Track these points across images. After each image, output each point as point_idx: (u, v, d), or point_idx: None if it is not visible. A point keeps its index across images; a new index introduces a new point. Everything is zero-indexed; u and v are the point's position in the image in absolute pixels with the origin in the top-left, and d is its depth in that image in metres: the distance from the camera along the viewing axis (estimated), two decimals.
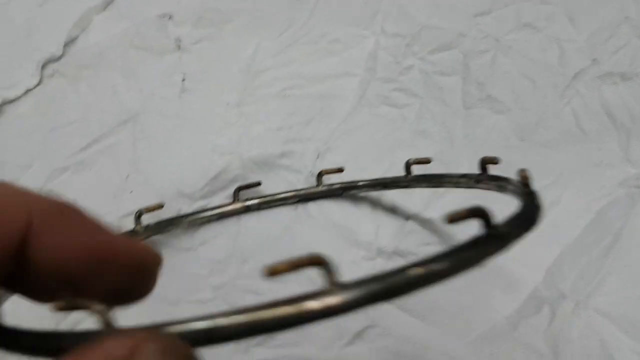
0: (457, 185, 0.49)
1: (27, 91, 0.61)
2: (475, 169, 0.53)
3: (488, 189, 0.45)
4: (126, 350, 0.18)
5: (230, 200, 0.55)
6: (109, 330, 0.19)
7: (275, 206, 0.55)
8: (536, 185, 0.55)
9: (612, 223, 0.53)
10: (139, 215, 0.51)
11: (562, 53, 0.62)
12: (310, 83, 0.61)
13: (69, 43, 0.64)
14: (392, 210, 0.54)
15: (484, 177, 0.45)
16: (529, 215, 0.32)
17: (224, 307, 0.45)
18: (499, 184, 0.42)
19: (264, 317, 0.20)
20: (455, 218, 0.25)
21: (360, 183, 0.55)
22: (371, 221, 0.54)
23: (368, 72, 0.62)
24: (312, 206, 0.55)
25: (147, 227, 0.52)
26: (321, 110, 0.60)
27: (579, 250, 0.51)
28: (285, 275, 0.21)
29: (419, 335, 0.48)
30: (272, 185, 0.56)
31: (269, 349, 0.48)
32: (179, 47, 0.63)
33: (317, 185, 0.55)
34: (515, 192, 0.39)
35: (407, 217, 0.54)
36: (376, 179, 0.54)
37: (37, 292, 0.22)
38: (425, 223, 0.54)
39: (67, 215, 0.22)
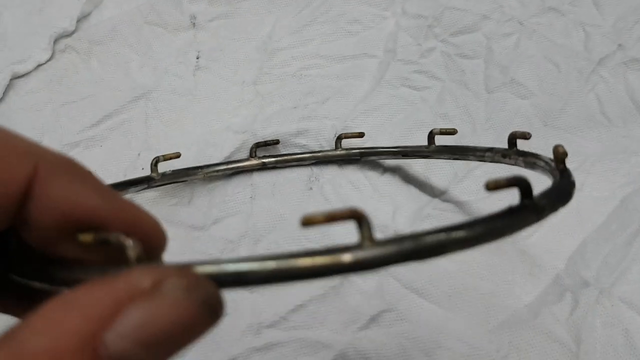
0: (481, 159, 0.47)
1: (39, 66, 0.60)
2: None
3: (515, 165, 0.43)
4: (150, 282, 0.17)
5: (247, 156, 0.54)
6: (136, 265, 0.19)
7: (292, 166, 0.55)
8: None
9: (637, 211, 0.51)
10: (155, 162, 0.51)
11: (587, 38, 0.60)
12: (328, 63, 0.59)
13: (82, 18, 0.62)
14: (410, 192, 0.53)
15: (511, 152, 0.43)
16: (564, 189, 0.30)
17: None
18: (528, 159, 0.41)
19: (295, 265, 0.19)
20: (495, 185, 0.24)
21: (380, 149, 0.53)
22: (388, 204, 0.52)
23: (388, 53, 0.60)
24: (327, 187, 0.53)
25: (164, 174, 0.51)
26: (339, 90, 0.58)
27: (603, 237, 0.50)
28: (320, 226, 0.20)
29: (436, 321, 0.47)
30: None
31: (281, 331, 0.47)
32: (193, 25, 0.62)
33: (336, 149, 0.54)
34: (545, 169, 0.38)
35: (426, 200, 0.52)
36: (397, 147, 0.53)
37: (35, 241, 0.22)
38: (444, 207, 0.52)
39: (76, 171, 0.22)
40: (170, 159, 0.50)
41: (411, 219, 0.51)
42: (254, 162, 0.53)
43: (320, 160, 0.54)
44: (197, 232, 0.51)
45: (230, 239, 0.50)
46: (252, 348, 0.46)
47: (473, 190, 0.53)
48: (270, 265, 0.19)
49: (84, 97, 0.58)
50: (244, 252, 0.50)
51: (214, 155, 0.54)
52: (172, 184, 0.52)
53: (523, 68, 0.58)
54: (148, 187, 0.50)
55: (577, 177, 0.52)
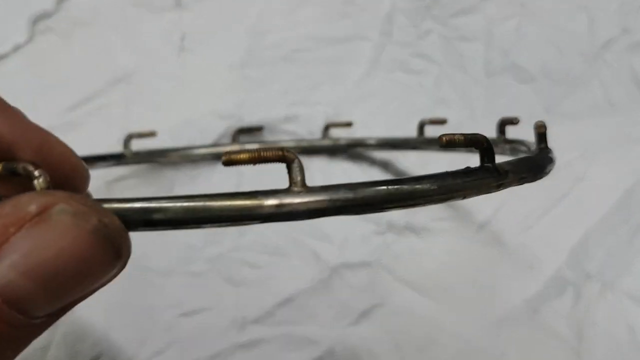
0: (470, 149, 0.44)
1: (17, 48, 0.57)
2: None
3: (502, 153, 0.40)
4: (37, 207, 0.16)
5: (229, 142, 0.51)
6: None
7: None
8: (561, 159, 0.51)
9: None
10: (128, 139, 0.48)
11: (591, 21, 0.57)
12: (321, 46, 0.56)
13: None
14: None
15: (499, 140, 0.41)
16: (537, 162, 0.27)
17: (218, 280, 0.41)
18: (513, 146, 0.38)
19: (210, 206, 0.18)
20: (450, 142, 0.22)
21: (368, 141, 0.51)
22: None
23: (383, 35, 0.58)
24: (318, 175, 0.51)
25: (137, 153, 0.48)
26: (332, 74, 0.56)
27: (606, 229, 0.47)
28: (245, 165, 0.19)
29: (431, 316, 0.44)
30: None
31: (267, 327, 0.45)
32: (179, 4, 0.59)
33: (323, 139, 0.52)
34: (527, 153, 0.35)
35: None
36: (385, 138, 0.50)
37: None
38: None
39: None
40: (145, 136, 0.47)
41: (405, 210, 0.48)
42: (235, 147, 0.50)
43: (305, 149, 0.51)
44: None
45: (215, 230, 0.48)
46: (235, 344, 0.44)
47: None
48: (182, 205, 0.17)
49: (62, 80, 0.55)
50: (228, 244, 0.47)
51: (198, 141, 0.51)
52: (147, 165, 0.50)
53: (524, 52, 0.56)
54: (118, 164, 0.47)
55: (580, 165, 0.50)
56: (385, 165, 0.52)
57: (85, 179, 0.24)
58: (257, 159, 0.19)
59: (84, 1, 0.59)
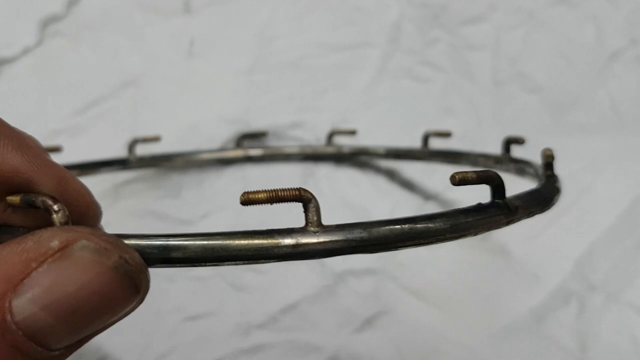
0: (474, 164, 0.44)
1: (26, 51, 0.58)
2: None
3: (507, 171, 0.40)
4: (59, 242, 0.16)
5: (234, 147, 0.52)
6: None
7: (279, 160, 0.52)
8: (567, 169, 0.50)
9: None
10: (133, 144, 0.48)
11: (599, 31, 0.57)
12: (328, 52, 0.57)
13: (72, 2, 0.60)
14: (410, 190, 0.50)
15: (505, 157, 0.41)
16: (544, 194, 0.27)
17: (222, 285, 0.41)
18: (520, 166, 0.38)
19: (228, 246, 0.18)
20: (462, 180, 0.22)
21: (372, 150, 0.51)
22: (386, 201, 0.50)
23: (390, 43, 0.58)
24: (324, 182, 0.51)
25: (142, 159, 0.49)
26: (338, 81, 0.56)
27: (612, 240, 0.47)
28: (262, 205, 0.19)
29: (435, 325, 0.44)
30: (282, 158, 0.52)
31: (271, 333, 0.45)
32: (188, 10, 0.59)
33: (327, 145, 0.52)
34: (534, 176, 0.35)
35: (426, 198, 0.50)
36: (390, 147, 0.50)
37: None
38: (445, 206, 0.50)
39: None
40: (150, 141, 0.47)
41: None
42: (239, 153, 0.50)
43: (308, 156, 0.51)
44: (184, 226, 0.48)
45: None
46: (239, 349, 0.44)
47: (475, 189, 0.50)
48: (201, 243, 0.18)
49: (71, 84, 0.55)
50: None
51: (205, 145, 0.51)
52: (154, 169, 0.50)
53: (532, 61, 0.56)
54: (123, 169, 0.47)
55: (586, 176, 0.50)
56: (390, 174, 0.52)
57: (98, 216, 0.25)
58: (274, 198, 0.19)
59: (93, 5, 0.59)
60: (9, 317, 0.15)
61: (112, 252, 0.17)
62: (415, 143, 0.50)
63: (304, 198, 0.20)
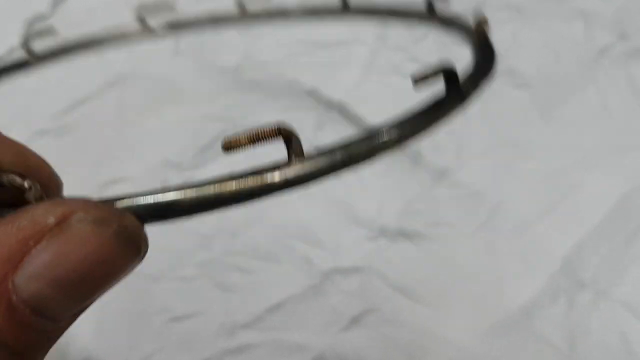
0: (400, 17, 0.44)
1: (12, 51, 0.57)
2: (491, 147, 0.49)
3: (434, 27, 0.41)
4: (55, 217, 0.16)
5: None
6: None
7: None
8: (556, 165, 0.50)
9: (638, 208, 0.48)
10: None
11: (588, 27, 0.57)
12: (316, 49, 0.56)
13: (58, 1, 0.60)
14: (398, 185, 0.50)
15: (430, 14, 0.41)
16: (487, 67, 0.27)
17: (208, 285, 0.41)
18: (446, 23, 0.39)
19: (221, 191, 0.18)
20: (422, 77, 0.22)
21: (289, 10, 0.49)
22: (374, 197, 0.49)
23: (378, 40, 0.57)
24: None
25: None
26: (326, 78, 0.55)
27: (601, 236, 0.47)
28: (245, 149, 0.19)
29: (424, 323, 0.44)
30: (266, 154, 0.51)
31: (257, 332, 0.44)
32: (174, 8, 0.59)
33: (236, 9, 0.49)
34: (463, 30, 0.35)
35: (415, 193, 0.49)
36: (307, 6, 0.48)
37: None
38: (435, 202, 0.49)
39: None
40: None
41: (399, 213, 0.48)
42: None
43: (214, 19, 0.49)
44: (170, 226, 0.48)
45: (206, 234, 0.47)
46: (224, 349, 0.44)
47: (466, 177, 0.50)
48: (193, 192, 0.18)
49: (56, 84, 0.55)
50: (219, 249, 0.47)
51: (189, 144, 0.51)
52: None
53: (520, 57, 0.56)
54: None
55: (575, 172, 0.50)
56: (380, 166, 0.51)
57: (60, 186, 0.24)
58: (256, 138, 0.19)
59: (79, 4, 0.59)
60: (14, 297, 0.15)
61: (110, 220, 0.16)
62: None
63: (285, 133, 0.20)
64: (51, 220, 0.16)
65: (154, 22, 0.50)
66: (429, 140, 0.46)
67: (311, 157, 0.19)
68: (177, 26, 0.50)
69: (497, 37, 0.53)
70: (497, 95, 0.52)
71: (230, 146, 0.18)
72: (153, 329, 0.45)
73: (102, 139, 0.52)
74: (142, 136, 0.51)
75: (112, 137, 0.52)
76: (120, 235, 0.17)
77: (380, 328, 0.44)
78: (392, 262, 0.46)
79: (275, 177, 0.19)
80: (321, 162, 0.19)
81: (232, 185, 0.18)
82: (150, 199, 0.18)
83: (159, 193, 0.18)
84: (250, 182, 0.18)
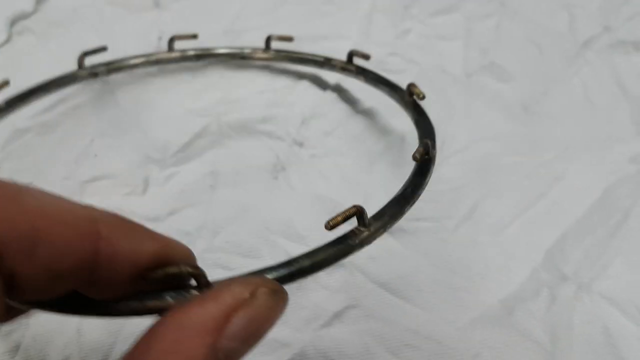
0: (320, 66, 0.53)
1: None
2: (474, 141, 0.49)
3: (356, 78, 0.51)
4: (247, 292, 0.22)
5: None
6: (209, 287, 0.24)
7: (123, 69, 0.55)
8: (540, 159, 0.50)
9: (621, 201, 0.48)
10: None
11: (572, 19, 0.57)
12: (300, 45, 0.56)
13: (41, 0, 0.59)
14: (382, 181, 0.50)
15: (351, 66, 0.50)
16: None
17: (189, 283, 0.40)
18: (369, 77, 0.50)
19: (324, 256, 0.29)
20: (334, 224, 0.30)
21: (217, 51, 0.55)
22: (358, 193, 0.49)
23: (362, 35, 0.57)
24: (294, 176, 0.50)
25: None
26: (310, 74, 0.55)
27: (584, 229, 0.47)
28: (341, 225, 0.30)
29: (404, 318, 0.44)
30: (251, 152, 0.51)
31: None
32: (157, 5, 0.59)
33: (169, 51, 0.54)
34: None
35: (398, 189, 0.49)
36: (234, 48, 0.55)
37: (104, 291, 0.25)
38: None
39: (128, 224, 0.25)
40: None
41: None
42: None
43: (153, 62, 0.55)
44: (151, 223, 0.47)
45: (188, 231, 0.47)
46: None
47: (450, 171, 0.50)
48: (308, 261, 0.29)
49: (39, 81, 0.55)
50: (201, 245, 0.47)
51: (173, 140, 0.51)
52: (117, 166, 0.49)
53: (503, 50, 0.56)
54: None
55: (558, 165, 0.50)
56: (363, 164, 0.51)
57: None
58: (347, 217, 0.30)
59: (62, 1, 0.59)
60: (220, 355, 0.21)
61: (278, 290, 0.24)
62: (387, 131, 0.50)
63: (359, 210, 0.31)
64: (246, 294, 0.22)
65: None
66: (413, 136, 0.46)
67: (372, 224, 0.31)
68: None
69: (481, 31, 0.53)
70: (481, 89, 0.52)
71: (332, 226, 0.30)
72: (134, 328, 0.44)
73: (82, 136, 0.52)
74: (123, 133, 0.51)
75: (93, 135, 0.52)
76: (283, 300, 0.24)
77: (362, 323, 0.44)
78: (375, 257, 0.46)
79: (356, 241, 0.30)
80: (378, 227, 0.32)
81: (332, 251, 0.30)
82: (284, 271, 0.28)
83: (288, 266, 0.28)
84: (342, 249, 0.30)
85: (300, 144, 0.51)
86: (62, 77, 0.51)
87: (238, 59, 0.54)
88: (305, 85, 0.54)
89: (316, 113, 0.53)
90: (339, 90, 0.54)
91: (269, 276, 0.27)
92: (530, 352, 0.42)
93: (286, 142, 0.52)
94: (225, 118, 0.52)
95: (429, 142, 0.38)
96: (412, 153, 0.38)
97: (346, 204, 0.48)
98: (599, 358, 0.42)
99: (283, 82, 0.54)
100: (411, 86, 0.45)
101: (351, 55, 0.51)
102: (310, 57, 0.53)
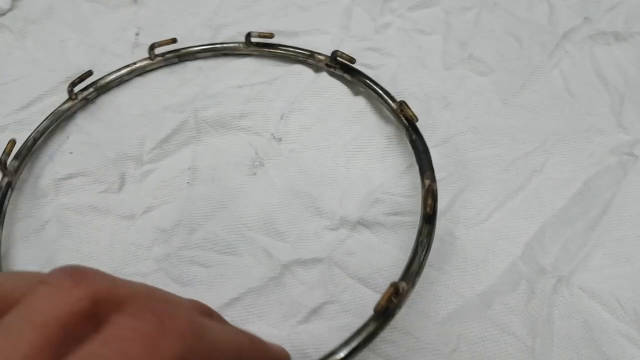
0: (304, 62, 0.54)
1: None
2: (454, 133, 0.48)
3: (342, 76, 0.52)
4: None
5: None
6: None
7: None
8: (519, 151, 0.50)
9: (601, 193, 0.48)
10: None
11: (552, 10, 0.57)
12: (278, 40, 0.55)
13: None
14: (360, 177, 0.49)
15: (335, 65, 0.52)
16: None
17: (165, 280, 0.40)
18: (355, 77, 0.51)
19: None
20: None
21: (195, 49, 0.55)
22: (335, 189, 0.49)
23: (341, 29, 0.57)
24: (273, 171, 0.50)
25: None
26: (288, 69, 0.55)
27: (563, 222, 0.46)
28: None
29: None
30: (229, 148, 0.51)
31: None
32: (135, 0, 0.58)
33: (150, 58, 0.54)
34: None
35: (377, 184, 0.49)
36: (213, 45, 0.55)
37: None
38: (394, 191, 0.49)
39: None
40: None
41: (359, 203, 0.48)
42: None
43: (138, 72, 0.54)
44: (126, 221, 0.47)
45: (163, 229, 0.47)
46: None
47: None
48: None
49: (15, 79, 0.55)
50: (177, 243, 0.46)
51: (149, 137, 0.50)
52: (92, 164, 0.49)
53: (483, 44, 0.55)
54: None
55: (538, 157, 0.49)
56: (342, 158, 0.51)
57: None
58: (389, 295, 0.37)
59: (38, 1, 0.58)
60: None
61: None
62: (369, 126, 0.50)
63: (395, 287, 0.37)
64: None
65: None
66: (394, 131, 0.46)
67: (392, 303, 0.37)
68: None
69: (460, 24, 0.53)
70: (460, 82, 0.52)
71: (380, 309, 0.37)
72: None
73: (60, 134, 0.51)
74: (99, 129, 0.51)
75: (69, 132, 0.51)
76: None
77: (340, 318, 0.43)
78: (353, 252, 0.46)
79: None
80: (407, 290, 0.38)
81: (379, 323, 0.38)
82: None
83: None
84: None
85: (279, 140, 0.51)
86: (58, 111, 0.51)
87: (220, 56, 0.54)
88: (284, 80, 0.53)
89: (295, 108, 0.52)
90: (318, 85, 0.53)
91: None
92: (509, 346, 0.42)
93: (265, 137, 0.51)
94: (203, 114, 0.51)
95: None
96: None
97: (325, 200, 0.48)
98: (580, 353, 0.42)
99: (262, 77, 0.54)
100: (403, 105, 0.48)
101: (335, 54, 0.51)
102: (293, 53, 0.53)
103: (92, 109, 0.53)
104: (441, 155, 0.49)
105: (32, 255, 0.46)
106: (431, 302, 0.44)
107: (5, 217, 0.46)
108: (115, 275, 0.43)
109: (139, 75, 0.54)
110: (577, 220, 0.46)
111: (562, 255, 0.45)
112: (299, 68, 0.54)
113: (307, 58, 0.53)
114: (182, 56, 0.54)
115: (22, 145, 0.49)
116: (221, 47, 0.54)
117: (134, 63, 0.53)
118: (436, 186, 0.43)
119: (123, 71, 0.53)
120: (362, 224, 0.47)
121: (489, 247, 0.45)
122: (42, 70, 0.55)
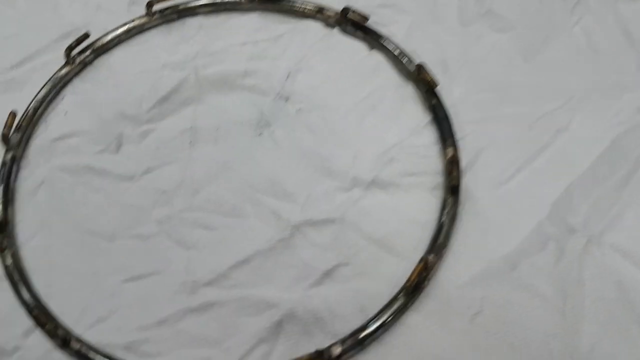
0: (312, 19, 0.51)
1: None
2: (471, 92, 0.45)
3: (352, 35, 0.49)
4: None
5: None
6: None
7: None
8: (543, 109, 0.47)
9: (630, 152, 0.45)
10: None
11: None
12: None
13: None
14: (372, 137, 0.46)
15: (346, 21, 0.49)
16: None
17: (167, 243, 0.37)
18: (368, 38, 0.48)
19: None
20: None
21: (195, 4, 0.52)
22: (347, 149, 0.46)
23: None
24: (279, 132, 0.47)
25: None
26: (294, 26, 0.52)
27: (592, 181, 0.43)
28: None
29: (399, 275, 0.40)
30: (233, 108, 0.48)
31: (221, 290, 0.41)
32: None
33: (148, 15, 0.51)
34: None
35: (391, 143, 0.46)
36: (215, 2, 0.52)
37: None
38: (410, 151, 0.46)
39: None
40: None
41: (373, 162, 0.45)
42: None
43: (134, 29, 0.51)
44: (125, 182, 0.44)
45: (164, 190, 0.44)
46: (185, 308, 0.40)
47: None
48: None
49: (6, 37, 0.52)
50: (179, 204, 0.43)
51: (148, 96, 0.47)
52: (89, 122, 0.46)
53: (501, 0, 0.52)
54: None
55: (563, 116, 0.46)
56: (352, 115, 0.48)
57: None
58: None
59: None
60: None
61: None
62: (378, 89, 0.47)
63: None
64: None
65: None
66: (404, 88, 0.43)
67: None
68: None
69: None
70: (477, 39, 0.49)
71: (411, 285, 0.37)
72: (107, 290, 0.41)
73: (52, 93, 0.49)
74: (95, 88, 0.48)
75: (63, 92, 0.49)
76: None
77: (354, 281, 0.41)
78: (366, 213, 0.43)
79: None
80: None
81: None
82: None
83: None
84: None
85: (286, 99, 0.48)
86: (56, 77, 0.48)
87: (222, 11, 0.51)
88: (290, 37, 0.51)
89: (302, 67, 0.49)
90: (327, 42, 0.50)
91: None
92: (537, 309, 0.39)
93: (270, 96, 0.48)
94: (204, 72, 0.49)
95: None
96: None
97: (335, 160, 0.45)
98: (613, 314, 0.39)
99: (266, 33, 0.51)
100: (421, 69, 0.45)
101: (345, 11, 0.49)
102: (300, 8, 0.50)
103: (90, 70, 0.50)
104: (459, 113, 0.46)
105: (27, 218, 0.43)
106: (452, 264, 0.41)
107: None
108: (115, 238, 0.40)
109: (137, 34, 0.51)
110: (606, 179, 0.44)
111: (593, 214, 0.42)
112: (307, 24, 0.51)
113: (315, 14, 0.49)
114: (181, 12, 0.51)
115: (22, 117, 0.46)
116: (222, 1, 0.51)
117: (132, 21, 0.50)
118: (459, 155, 0.41)
119: (120, 30, 0.50)
120: (377, 184, 0.44)
121: (513, 208, 0.42)
122: (35, 28, 0.52)
